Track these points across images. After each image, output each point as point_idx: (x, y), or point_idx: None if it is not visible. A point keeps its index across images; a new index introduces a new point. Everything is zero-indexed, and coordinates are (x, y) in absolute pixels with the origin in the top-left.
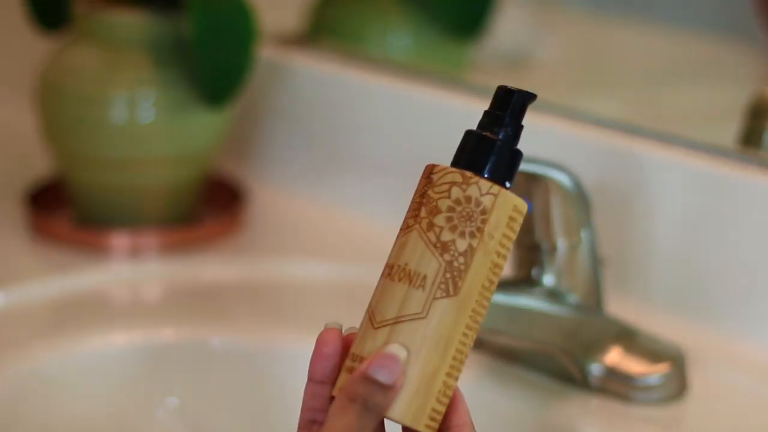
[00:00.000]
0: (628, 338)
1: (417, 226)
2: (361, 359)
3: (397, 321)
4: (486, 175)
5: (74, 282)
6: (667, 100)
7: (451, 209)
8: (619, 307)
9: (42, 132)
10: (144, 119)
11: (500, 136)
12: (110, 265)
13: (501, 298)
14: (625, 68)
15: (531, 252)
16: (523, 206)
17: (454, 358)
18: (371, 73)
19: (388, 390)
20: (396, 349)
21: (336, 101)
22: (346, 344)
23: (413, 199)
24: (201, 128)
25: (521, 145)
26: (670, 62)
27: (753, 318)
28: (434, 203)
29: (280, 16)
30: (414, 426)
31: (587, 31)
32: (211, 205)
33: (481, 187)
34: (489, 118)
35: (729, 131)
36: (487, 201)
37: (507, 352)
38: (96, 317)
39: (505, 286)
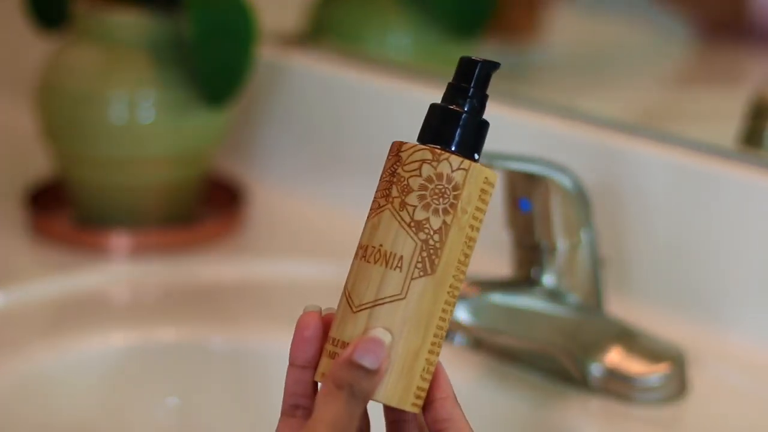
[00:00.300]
0: (628, 338)
1: (389, 206)
2: (342, 344)
3: (376, 304)
4: (454, 149)
5: (74, 282)
6: (667, 99)
7: (423, 187)
8: (619, 307)
9: (42, 132)
10: (144, 119)
11: (466, 108)
12: (110, 265)
13: (501, 298)
14: (625, 68)
15: (531, 252)
16: (494, 177)
17: (435, 335)
18: (371, 73)
19: (373, 375)
20: (380, 333)
21: (336, 101)
22: (326, 326)
23: (382, 177)
24: (201, 128)
25: (521, 139)
26: (669, 62)
27: (753, 318)
28: (405, 182)
29: (280, 16)
30: (400, 406)
31: (587, 31)
32: (211, 205)
33: (452, 163)
34: (453, 91)
35: (729, 131)
36: (458, 177)
37: (507, 352)
38: (96, 317)
39: (505, 286)
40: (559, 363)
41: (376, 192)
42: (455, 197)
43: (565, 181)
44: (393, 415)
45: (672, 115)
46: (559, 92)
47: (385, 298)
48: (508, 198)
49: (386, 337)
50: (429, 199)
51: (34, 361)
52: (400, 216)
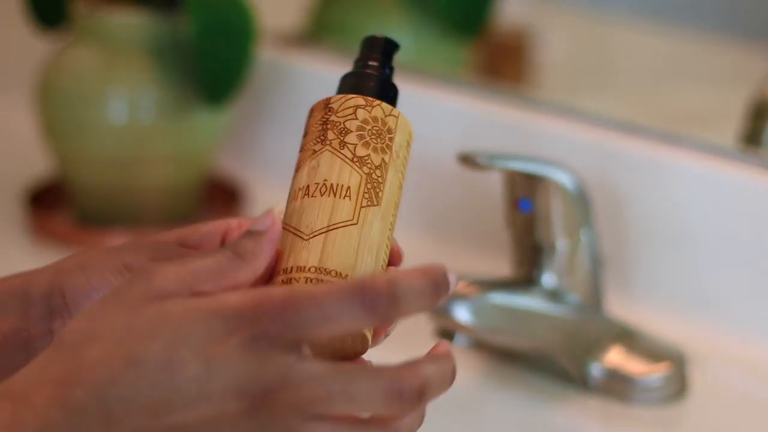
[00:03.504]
0: (628, 338)
1: (327, 147)
2: (298, 268)
3: (330, 229)
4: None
5: None
6: (667, 99)
7: (360, 128)
8: (619, 307)
9: (42, 132)
10: (144, 119)
11: (379, 71)
12: None
13: (501, 298)
14: (625, 68)
15: (531, 252)
16: (413, 133)
17: (381, 267)
18: None
19: (257, 235)
20: (275, 206)
21: None
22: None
23: (309, 131)
24: (201, 128)
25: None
26: (670, 62)
27: (753, 318)
28: (342, 125)
29: (280, 16)
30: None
31: (587, 31)
32: (211, 205)
33: (384, 109)
34: (364, 63)
35: (729, 131)
36: (391, 122)
37: (507, 352)
38: None
39: (505, 286)
40: (559, 363)
41: (306, 144)
42: (390, 139)
43: (565, 181)
44: None
45: (672, 115)
46: (559, 92)
47: (338, 223)
48: (508, 198)
49: (277, 207)
50: (368, 138)
51: None
52: (341, 153)
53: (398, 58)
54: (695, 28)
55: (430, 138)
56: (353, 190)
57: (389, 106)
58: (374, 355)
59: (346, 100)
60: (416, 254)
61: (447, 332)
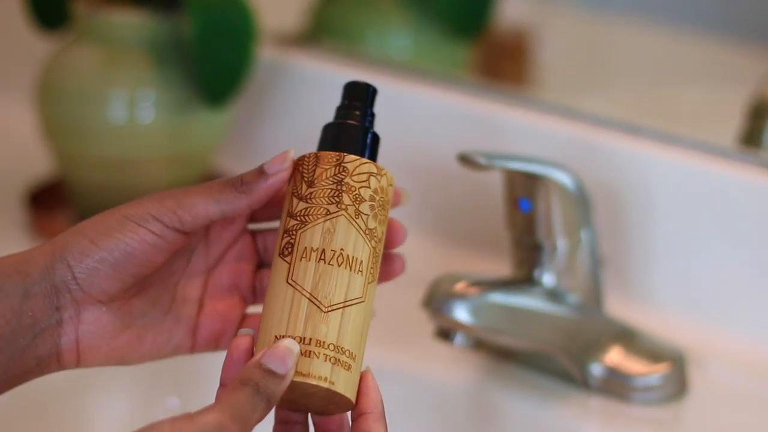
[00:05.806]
0: (628, 338)
1: (343, 212)
2: (317, 342)
3: (345, 305)
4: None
5: None
6: (667, 99)
7: (372, 198)
8: (619, 307)
9: (42, 132)
10: (144, 119)
11: (368, 125)
12: None
13: (501, 298)
14: (624, 68)
15: (531, 252)
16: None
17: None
18: (371, 73)
19: (280, 379)
20: (290, 344)
21: (336, 101)
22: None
23: (317, 184)
24: (201, 128)
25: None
26: (669, 62)
27: (753, 318)
28: (357, 191)
29: (280, 16)
30: (353, 399)
31: (587, 31)
32: None
33: (388, 179)
34: (353, 110)
35: (729, 131)
36: (390, 192)
37: (507, 352)
38: None
39: (505, 286)
40: (559, 363)
41: (312, 196)
42: (387, 210)
43: (565, 181)
44: (284, 416)
45: (672, 115)
46: (559, 92)
47: (352, 300)
48: (508, 198)
49: (295, 348)
50: (377, 210)
51: None
52: (356, 223)
53: (398, 58)
54: (694, 28)
55: (430, 138)
56: (364, 265)
57: (391, 176)
58: (375, 355)
59: (360, 165)
60: (416, 254)
61: (447, 332)
